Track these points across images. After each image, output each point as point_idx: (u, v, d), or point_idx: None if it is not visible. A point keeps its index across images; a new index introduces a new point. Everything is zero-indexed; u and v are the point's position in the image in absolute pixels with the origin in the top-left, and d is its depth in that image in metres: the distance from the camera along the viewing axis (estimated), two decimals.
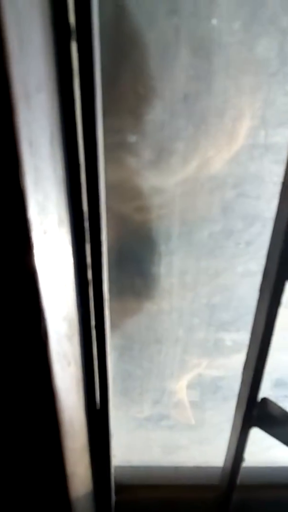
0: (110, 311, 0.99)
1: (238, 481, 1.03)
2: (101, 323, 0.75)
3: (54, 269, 0.59)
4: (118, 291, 1.02)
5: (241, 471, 1.03)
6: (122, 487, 1.24)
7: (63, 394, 0.69)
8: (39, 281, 0.54)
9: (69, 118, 0.58)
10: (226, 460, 1.03)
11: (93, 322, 0.77)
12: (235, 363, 1.13)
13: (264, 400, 0.91)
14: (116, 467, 1.25)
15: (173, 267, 0.97)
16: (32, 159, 0.48)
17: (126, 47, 0.75)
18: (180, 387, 1.22)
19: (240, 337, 1.09)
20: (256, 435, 0.95)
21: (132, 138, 0.82)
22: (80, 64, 0.53)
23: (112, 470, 1.07)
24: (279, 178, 0.72)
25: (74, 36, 0.52)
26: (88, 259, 0.70)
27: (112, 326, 1.05)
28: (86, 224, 0.66)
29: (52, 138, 0.53)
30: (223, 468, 1.06)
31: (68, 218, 0.62)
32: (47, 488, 0.81)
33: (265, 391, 1.17)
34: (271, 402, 0.91)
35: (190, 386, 1.20)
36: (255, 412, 0.88)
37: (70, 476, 0.81)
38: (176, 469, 1.29)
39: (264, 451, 1.26)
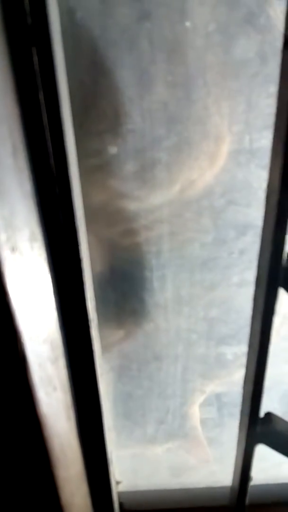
0: (105, 332, 0.96)
1: (248, 500, 0.99)
2: (88, 344, 0.72)
3: (29, 288, 0.56)
4: (112, 311, 0.98)
5: (253, 489, 0.98)
6: None
7: (50, 421, 0.65)
8: (12, 301, 0.51)
9: (35, 128, 0.55)
10: (234, 480, 0.99)
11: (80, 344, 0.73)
12: (238, 378, 1.09)
13: (268, 415, 0.87)
14: (123, 493, 1.21)
15: (166, 282, 0.94)
16: None
17: (98, 59, 0.72)
18: (192, 414, 1.18)
19: (242, 351, 1.05)
20: (266, 450, 0.91)
21: (113, 150, 0.79)
22: (41, 69, 0.51)
23: (115, 497, 1.02)
24: None
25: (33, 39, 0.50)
26: (71, 277, 0.67)
27: (108, 346, 1.01)
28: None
29: (15, 149, 0.50)
30: (231, 488, 1.02)
31: (42, 234, 0.59)
32: None
33: (271, 404, 1.14)
34: (275, 416, 0.87)
35: (193, 403, 1.16)
36: (258, 428, 0.84)
37: (67, 507, 0.77)
38: (185, 491, 1.25)
39: (276, 466, 1.22)
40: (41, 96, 0.54)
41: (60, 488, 0.73)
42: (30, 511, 0.75)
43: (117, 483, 1.21)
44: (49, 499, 0.73)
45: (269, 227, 0.63)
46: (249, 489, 0.98)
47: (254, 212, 0.86)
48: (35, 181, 0.58)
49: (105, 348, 1.02)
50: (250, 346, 0.78)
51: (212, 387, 1.13)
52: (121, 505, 1.19)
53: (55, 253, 0.63)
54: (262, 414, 0.87)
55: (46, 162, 0.58)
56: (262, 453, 0.92)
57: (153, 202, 0.85)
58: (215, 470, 1.27)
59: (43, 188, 0.59)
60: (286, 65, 0.54)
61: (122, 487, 1.22)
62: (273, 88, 0.75)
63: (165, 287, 0.95)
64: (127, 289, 0.96)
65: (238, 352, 1.06)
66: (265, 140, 0.79)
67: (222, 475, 1.21)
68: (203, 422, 1.20)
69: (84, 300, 0.68)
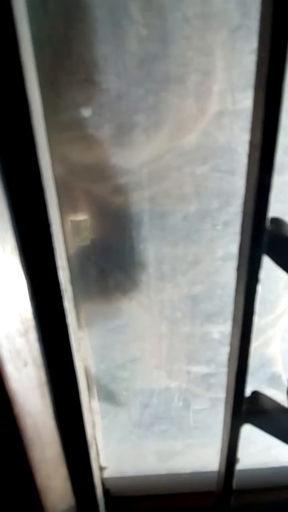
0: (84, 310, 0.92)
1: (235, 484, 0.95)
2: (62, 316, 0.68)
3: None
4: (91, 288, 0.94)
5: (241, 474, 0.94)
6: (116, 499, 1.16)
7: (21, 398, 0.61)
8: None
9: None
10: (220, 463, 0.95)
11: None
12: (225, 357, 1.05)
13: (255, 393, 0.84)
14: (109, 479, 1.18)
15: (148, 256, 0.90)
16: None
17: (70, 9, 0.68)
18: (178, 397, 1.13)
19: (228, 329, 1.00)
20: (255, 434, 0.88)
21: (86, 112, 0.74)
22: None
23: (98, 481, 0.98)
24: None
25: None
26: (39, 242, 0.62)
27: (88, 325, 0.97)
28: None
29: None
30: (218, 471, 0.98)
31: (4, 192, 0.55)
32: (17, 505, 0.73)
33: (260, 385, 1.10)
34: (262, 395, 0.84)
35: (179, 385, 1.12)
36: (244, 407, 0.80)
37: (44, 490, 0.73)
38: (173, 476, 1.21)
39: (264, 451, 1.18)
40: None
41: (35, 470, 0.69)
42: (2, 493, 0.71)
43: (103, 469, 1.17)
44: (24, 481, 0.69)
45: (251, 185, 0.59)
46: (238, 474, 0.94)
47: (238, 180, 0.81)
48: None
49: (85, 327, 0.98)
50: (234, 319, 0.74)
51: (198, 368, 1.09)
52: (107, 492, 1.16)
53: (21, 214, 0.58)
54: (249, 393, 0.83)
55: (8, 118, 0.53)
56: (250, 437, 0.88)
57: (131, 170, 0.80)
58: (203, 455, 1.23)
59: (5, 146, 0.55)
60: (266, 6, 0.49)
61: (107, 473, 1.19)
62: (256, 43, 0.70)
63: (146, 262, 0.91)
64: (107, 265, 0.91)
65: (225, 331, 1.02)
66: (249, 100, 0.74)
67: (210, 459, 1.18)
68: (189, 404, 1.16)
69: (55, 269, 0.64)
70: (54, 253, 0.62)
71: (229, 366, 0.80)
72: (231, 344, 0.77)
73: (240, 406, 0.81)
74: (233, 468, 0.91)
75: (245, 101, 0.74)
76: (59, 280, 0.65)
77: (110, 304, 0.96)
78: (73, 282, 0.85)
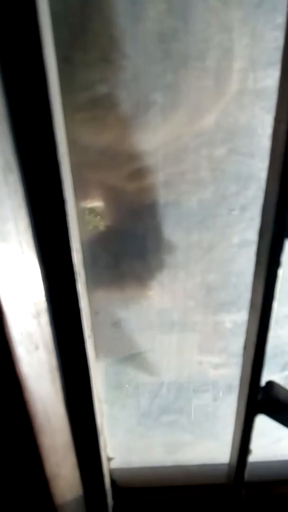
0: (94, 297, 0.90)
1: (246, 476, 0.93)
2: (75, 300, 0.65)
3: (4, 230, 0.49)
4: (103, 275, 0.92)
5: (251, 466, 0.92)
6: (123, 491, 1.15)
7: (32, 383, 0.59)
8: None
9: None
10: (232, 454, 0.93)
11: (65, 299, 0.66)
12: (237, 347, 1.03)
13: (270, 383, 0.82)
14: (116, 470, 1.16)
15: (160, 242, 0.87)
16: None
17: None
18: (187, 387, 1.11)
19: (241, 318, 0.98)
20: (264, 425, 0.86)
21: (103, 89, 0.72)
22: None
23: (105, 469, 0.97)
24: None
25: None
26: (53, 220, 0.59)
27: (99, 313, 0.95)
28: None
29: None
30: (230, 463, 0.96)
31: (19, 164, 0.52)
32: (26, 493, 0.71)
33: (273, 376, 1.08)
34: (277, 385, 0.81)
35: (189, 375, 1.10)
36: (259, 397, 0.78)
37: (53, 478, 0.71)
38: (181, 468, 1.19)
39: (275, 443, 1.16)
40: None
41: (44, 457, 0.67)
42: (11, 480, 0.69)
43: (110, 459, 1.15)
44: (33, 469, 0.67)
45: (276, 164, 0.56)
46: (247, 466, 0.92)
47: (258, 162, 0.79)
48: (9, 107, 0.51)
49: (95, 315, 0.96)
50: (252, 305, 0.72)
51: (209, 358, 1.07)
52: (113, 482, 1.14)
53: (35, 190, 0.56)
54: (263, 383, 0.81)
55: (22, 91, 0.51)
56: (260, 428, 0.86)
57: (146, 151, 0.78)
58: (212, 447, 1.21)
59: (20, 116, 0.52)
60: None
61: (114, 464, 1.17)
62: (280, 19, 0.68)
63: (159, 249, 0.89)
64: (119, 251, 0.89)
65: (238, 320, 0.99)
66: (270, 79, 0.71)
67: (219, 451, 1.16)
68: (199, 395, 1.14)
69: (69, 249, 0.61)
70: (68, 233, 0.60)
71: (244, 354, 0.78)
72: (248, 332, 0.75)
73: (255, 395, 0.79)
74: (246, 460, 0.89)
75: (267, 80, 0.72)
76: (73, 261, 0.63)
77: (122, 292, 0.94)
78: (84, 268, 0.83)
